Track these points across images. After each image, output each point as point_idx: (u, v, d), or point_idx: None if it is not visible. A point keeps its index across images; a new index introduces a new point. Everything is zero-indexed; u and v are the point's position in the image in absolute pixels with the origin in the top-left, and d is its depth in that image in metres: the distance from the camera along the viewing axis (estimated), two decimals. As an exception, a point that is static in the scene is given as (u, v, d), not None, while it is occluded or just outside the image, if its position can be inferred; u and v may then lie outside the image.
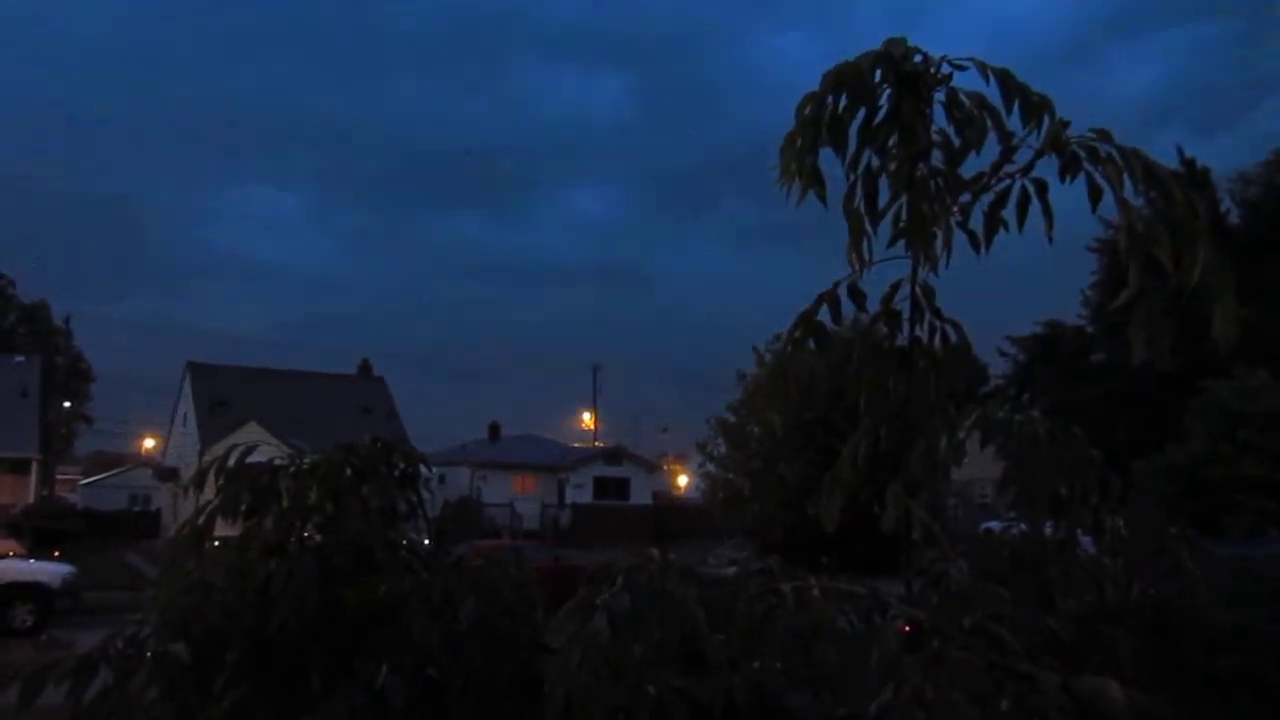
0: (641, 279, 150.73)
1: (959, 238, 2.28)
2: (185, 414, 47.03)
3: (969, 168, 2.27)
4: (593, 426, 66.46)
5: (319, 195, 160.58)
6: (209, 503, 3.17)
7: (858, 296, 2.37)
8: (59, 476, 59.17)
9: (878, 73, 2.22)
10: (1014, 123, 2.19)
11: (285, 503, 3.15)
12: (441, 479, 43.13)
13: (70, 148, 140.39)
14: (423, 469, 3.50)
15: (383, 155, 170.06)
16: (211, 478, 3.27)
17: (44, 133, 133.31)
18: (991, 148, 2.23)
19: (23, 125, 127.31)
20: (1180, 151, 41.72)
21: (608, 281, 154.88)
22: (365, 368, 53.41)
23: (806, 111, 2.25)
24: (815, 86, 2.25)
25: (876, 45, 2.25)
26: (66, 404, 59.31)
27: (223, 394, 44.47)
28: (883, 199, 2.30)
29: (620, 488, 50.59)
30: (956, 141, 2.23)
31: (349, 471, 3.27)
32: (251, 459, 3.29)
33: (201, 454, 38.54)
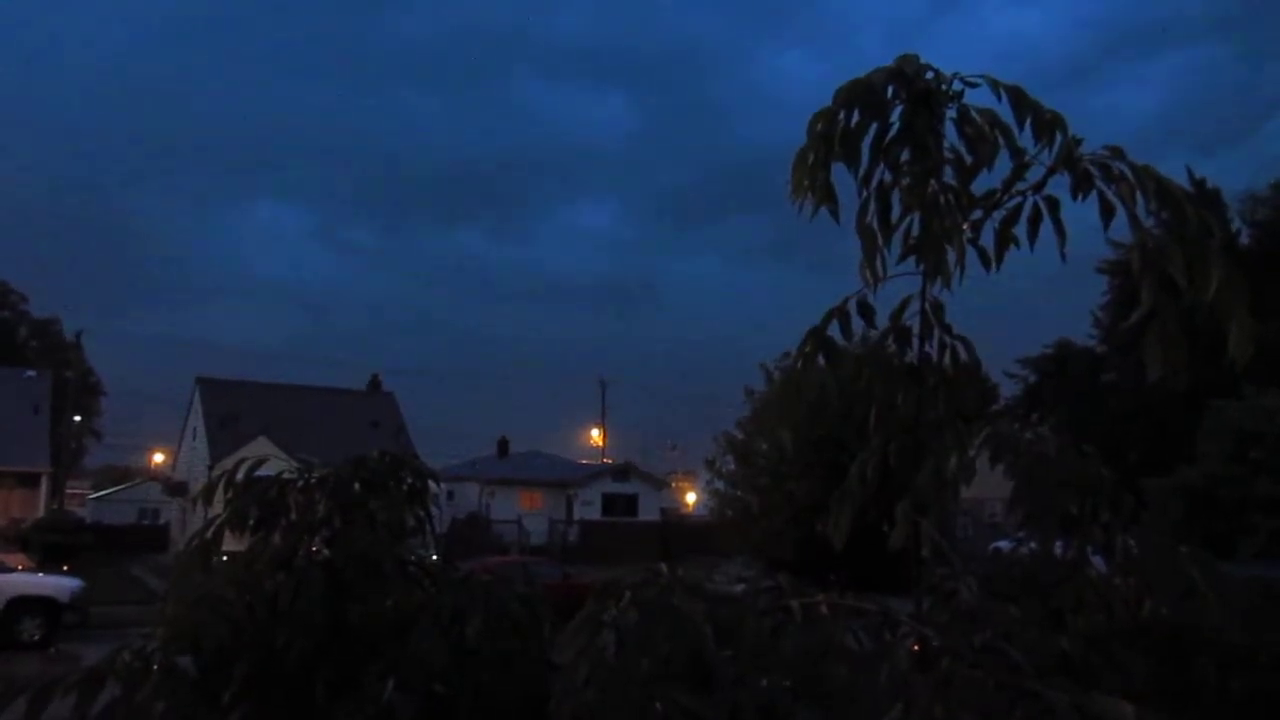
0: (648, 295, 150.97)
1: (970, 255, 2.27)
2: (195, 428, 47.04)
3: (981, 184, 2.26)
4: (601, 443, 66.35)
5: (325, 211, 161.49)
6: (217, 516, 3.17)
7: (867, 312, 2.36)
8: (69, 490, 59.24)
9: (890, 89, 2.22)
10: (1026, 139, 2.19)
11: (293, 516, 3.15)
12: (450, 495, 43.13)
13: (80, 165, 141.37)
14: (431, 485, 3.50)
15: (388, 172, 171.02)
16: (220, 491, 3.28)
17: (54, 151, 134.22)
18: (1003, 164, 2.22)
19: (33, 143, 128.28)
20: (1190, 172, 41.62)
21: (614, 297, 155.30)
22: (375, 383, 53.37)
23: (819, 127, 2.24)
24: (819, 103, 2.25)
25: (878, 64, 2.24)
26: (77, 418, 59.36)
27: (232, 409, 44.45)
28: (893, 215, 2.29)
29: (628, 504, 50.43)
30: (968, 158, 2.23)
31: (358, 486, 3.26)
32: (260, 473, 3.29)
33: (211, 468, 38.52)
